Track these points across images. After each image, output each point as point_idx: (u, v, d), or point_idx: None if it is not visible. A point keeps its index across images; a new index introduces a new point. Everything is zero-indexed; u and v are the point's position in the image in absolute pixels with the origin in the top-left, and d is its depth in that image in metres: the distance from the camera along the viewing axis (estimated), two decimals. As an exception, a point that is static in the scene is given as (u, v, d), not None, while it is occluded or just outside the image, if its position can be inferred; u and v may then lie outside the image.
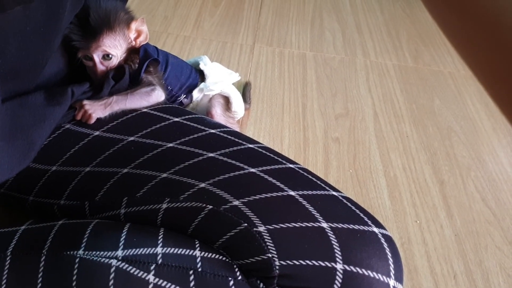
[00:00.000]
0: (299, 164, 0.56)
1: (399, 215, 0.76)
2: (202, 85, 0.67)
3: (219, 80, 0.69)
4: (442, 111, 1.05)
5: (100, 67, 0.58)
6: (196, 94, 0.67)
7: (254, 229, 0.47)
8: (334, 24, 1.35)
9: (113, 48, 0.58)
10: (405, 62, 1.22)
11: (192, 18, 1.24)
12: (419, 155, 0.90)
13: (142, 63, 0.60)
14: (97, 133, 0.57)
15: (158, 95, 0.59)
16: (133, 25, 0.59)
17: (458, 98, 1.10)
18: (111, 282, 0.45)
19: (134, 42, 0.60)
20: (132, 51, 0.61)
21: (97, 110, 0.56)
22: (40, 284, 0.47)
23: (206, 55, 1.08)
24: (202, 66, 0.69)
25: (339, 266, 0.45)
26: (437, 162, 0.89)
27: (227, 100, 0.69)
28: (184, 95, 0.65)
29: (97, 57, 0.58)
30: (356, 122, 0.96)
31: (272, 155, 0.56)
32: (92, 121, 0.57)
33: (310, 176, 0.54)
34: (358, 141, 0.91)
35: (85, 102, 0.57)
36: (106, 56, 0.58)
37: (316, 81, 1.07)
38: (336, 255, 0.46)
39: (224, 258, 0.48)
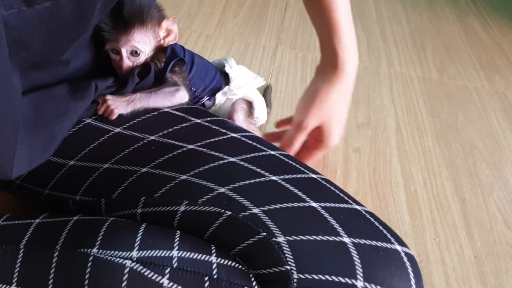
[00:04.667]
0: (321, 175, 0.55)
1: (418, 232, 0.74)
2: (226, 88, 0.66)
3: (243, 84, 0.68)
4: (466, 127, 1.02)
5: (127, 62, 0.58)
6: (219, 97, 0.66)
7: (273, 239, 0.45)
8: (359, 31, 1.33)
9: (142, 44, 0.57)
10: (429, 74, 1.19)
11: (216, 17, 1.23)
12: (440, 171, 0.88)
13: (168, 62, 0.59)
14: (117, 130, 0.56)
15: (182, 96, 0.58)
16: (164, 24, 0.58)
17: (482, 114, 1.08)
18: (124, 283, 0.44)
19: (162, 41, 0.59)
20: (159, 50, 0.60)
21: (119, 106, 0.55)
22: (51, 280, 0.46)
23: (228, 55, 1.07)
24: (227, 69, 0.68)
25: (359, 283, 0.44)
26: (459, 179, 0.87)
27: (250, 105, 0.67)
28: (207, 97, 0.65)
29: (125, 51, 0.57)
30: (378, 132, 0.94)
31: (294, 164, 0.55)
32: (114, 116, 0.56)
33: (332, 188, 0.53)
34: (379, 153, 0.89)
35: (108, 97, 0.56)
36: (134, 53, 0.57)
37: (338, 88, 1.05)
38: (357, 271, 0.44)
39: (240, 266, 0.46)
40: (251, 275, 0.46)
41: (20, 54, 0.46)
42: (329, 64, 0.67)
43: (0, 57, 0.40)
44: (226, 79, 0.68)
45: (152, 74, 0.59)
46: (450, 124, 1.02)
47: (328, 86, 0.67)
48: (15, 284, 0.47)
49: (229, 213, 0.48)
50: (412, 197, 0.80)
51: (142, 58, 0.58)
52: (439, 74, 1.20)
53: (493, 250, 0.74)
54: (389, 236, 0.48)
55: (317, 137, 0.71)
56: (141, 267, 0.45)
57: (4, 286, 0.47)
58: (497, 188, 0.87)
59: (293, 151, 0.70)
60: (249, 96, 0.67)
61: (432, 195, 0.82)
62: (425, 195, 0.81)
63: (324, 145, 0.71)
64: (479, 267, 0.70)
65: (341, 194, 0.52)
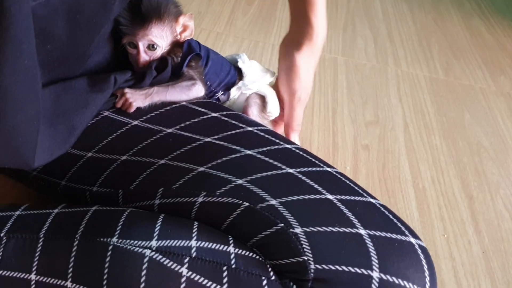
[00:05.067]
0: (336, 168, 0.56)
1: (426, 228, 0.75)
2: (240, 83, 0.67)
3: (256, 79, 0.68)
4: (472, 126, 1.03)
5: (144, 56, 0.58)
6: (234, 92, 0.67)
7: (291, 230, 0.46)
8: (366, 31, 1.34)
9: (159, 38, 0.58)
10: (436, 74, 1.20)
11: (226, 15, 1.24)
12: (448, 169, 0.89)
13: (185, 57, 0.59)
14: (135, 122, 0.57)
15: (198, 90, 0.59)
16: (181, 19, 0.59)
17: (488, 114, 1.09)
18: (144, 272, 0.45)
19: (179, 36, 0.60)
20: (175, 45, 0.61)
21: (137, 99, 0.56)
22: (71, 269, 0.47)
23: (238, 53, 1.08)
24: (240, 64, 0.68)
25: (375, 274, 0.44)
26: (466, 177, 0.88)
27: (263, 100, 0.68)
28: (222, 92, 0.65)
29: (142, 45, 0.58)
30: (386, 130, 0.95)
31: (309, 157, 0.56)
32: (132, 109, 0.57)
33: (347, 181, 0.53)
34: (388, 150, 0.90)
35: (127, 90, 0.57)
36: (151, 47, 0.58)
37: (347, 86, 1.06)
38: (373, 263, 0.45)
39: (257, 257, 0.47)
40: (268, 266, 0.46)
41: (45, 46, 0.47)
42: (303, 36, 0.70)
43: (28, 46, 0.40)
44: (239, 74, 0.69)
45: (169, 68, 0.60)
46: (456, 123, 1.03)
47: (308, 57, 0.71)
48: (34, 273, 0.47)
49: (247, 204, 0.48)
50: (420, 194, 0.81)
51: (158, 53, 0.59)
52: (445, 74, 1.21)
53: (501, 246, 0.75)
54: (403, 228, 0.49)
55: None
56: (160, 256, 0.45)
57: (24, 274, 0.47)
58: (504, 186, 0.88)
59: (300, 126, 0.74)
60: (262, 90, 0.68)
61: (440, 192, 0.83)
62: (433, 192, 0.82)
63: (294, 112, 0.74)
64: (487, 263, 0.71)
65: (356, 187, 0.53)
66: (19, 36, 0.39)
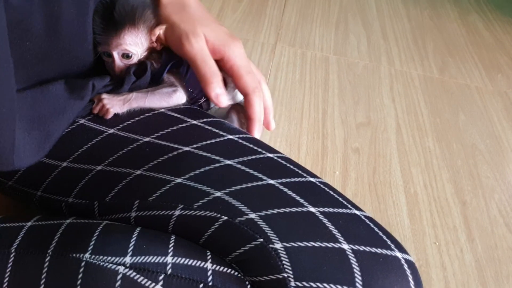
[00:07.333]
0: (320, 178, 0.54)
1: (417, 235, 0.73)
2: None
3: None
4: (467, 127, 1.01)
5: (119, 64, 0.56)
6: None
7: (270, 245, 0.44)
8: (359, 28, 1.31)
9: (133, 46, 0.55)
10: (430, 73, 1.18)
11: (214, 12, 1.22)
12: (441, 173, 0.87)
13: (165, 64, 0.57)
14: (111, 131, 0.55)
15: (179, 97, 0.57)
16: (158, 31, 0.56)
17: (484, 114, 1.07)
18: (117, 290, 0.43)
19: (155, 44, 0.58)
20: (153, 51, 0.58)
21: (115, 105, 0.54)
22: (43, 286, 0.45)
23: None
24: None
25: (358, 292, 0.43)
26: (459, 181, 0.86)
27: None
28: (205, 99, 0.63)
29: (116, 54, 0.56)
30: (378, 133, 0.93)
31: (292, 167, 0.54)
32: (109, 116, 0.55)
33: (331, 192, 0.51)
34: (379, 153, 0.87)
35: (104, 96, 0.55)
36: (126, 56, 0.56)
37: (338, 86, 1.04)
38: (356, 280, 0.43)
39: (236, 273, 0.45)
40: (247, 282, 0.45)
41: (24, 43, 0.45)
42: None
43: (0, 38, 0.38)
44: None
45: (149, 73, 0.58)
46: (451, 124, 1.01)
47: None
48: (5, 289, 0.46)
49: (225, 218, 0.46)
50: (412, 199, 0.79)
51: (135, 60, 0.57)
52: (440, 72, 1.19)
53: (494, 254, 0.73)
54: (389, 242, 0.47)
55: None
56: (134, 273, 0.44)
57: (-6, 290, 0.46)
58: (499, 190, 0.86)
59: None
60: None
61: (433, 198, 0.81)
62: (425, 197, 0.80)
63: (231, 55, 0.59)
64: (480, 272, 0.69)
65: (340, 199, 0.51)
66: None
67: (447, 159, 0.90)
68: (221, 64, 0.59)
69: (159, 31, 0.57)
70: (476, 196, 0.83)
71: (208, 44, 0.58)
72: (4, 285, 0.46)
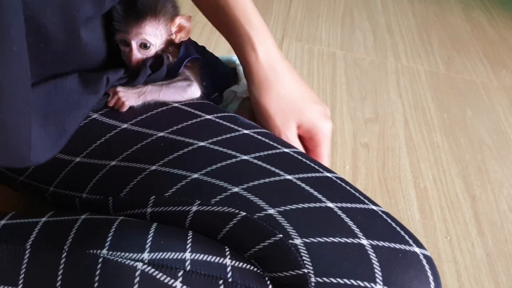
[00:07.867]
0: (336, 173, 0.53)
1: (428, 230, 0.73)
2: (234, 87, 0.65)
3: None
4: (474, 122, 1.01)
5: (136, 54, 0.56)
6: (227, 95, 0.64)
7: (290, 241, 0.44)
8: (365, 23, 1.31)
9: (153, 37, 0.55)
10: (436, 68, 1.18)
11: (221, 8, 1.21)
12: (450, 168, 0.87)
13: (182, 60, 0.57)
14: (125, 125, 0.54)
15: (193, 92, 0.56)
16: (178, 20, 0.56)
17: (490, 110, 1.06)
18: (136, 286, 0.43)
19: (174, 36, 0.57)
20: (170, 44, 0.58)
21: (130, 98, 0.54)
22: (60, 282, 0.45)
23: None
24: (236, 66, 0.66)
25: (378, 287, 0.42)
26: (468, 176, 0.86)
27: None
28: (217, 93, 0.63)
29: (135, 43, 0.55)
30: (386, 128, 0.93)
31: (308, 162, 0.53)
32: (125, 108, 0.54)
33: (348, 187, 0.51)
34: (388, 148, 0.87)
35: (119, 88, 0.54)
36: (144, 45, 0.55)
37: (345, 82, 1.04)
38: (376, 275, 0.43)
39: (255, 269, 0.45)
40: (266, 278, 0.45)
41: (39, 45, 0.45)
42: (245, 56, 0.62)
43: (16, 31, 0.37)
44: (234, 76, 0.67)
45: (165, 67, 0.57)
46: (458, 119, 1.00)
47: (268, 84, 0.60)
48: (21, 286, 0.45)
49: (244, 213, 0.46)
50: (422, 194, 0.79)
51: (152, 51, 0.56)
52: (446, 68, 1.19)
53: (505, 249, 0.73)
54: (407, 237, 0.47)
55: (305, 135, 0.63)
56: (153, 269, 0.43)
57: None
58: (507, 185, 0.86)
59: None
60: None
61: (442, 192, 0.81)
62: (435, 192, 0.80)
63: (320, 138, 0.61)
64: (491, 266, 0.70)
65: (357, 194, 0.51)
66: (6, 17, 0.36)
67: (455, 154, 0.90)
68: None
69: (179, 20, 0.56)
70: (485, 190, 0.83)
71: (299, 130, 0.62)
72: (20, 282, 0.46)
